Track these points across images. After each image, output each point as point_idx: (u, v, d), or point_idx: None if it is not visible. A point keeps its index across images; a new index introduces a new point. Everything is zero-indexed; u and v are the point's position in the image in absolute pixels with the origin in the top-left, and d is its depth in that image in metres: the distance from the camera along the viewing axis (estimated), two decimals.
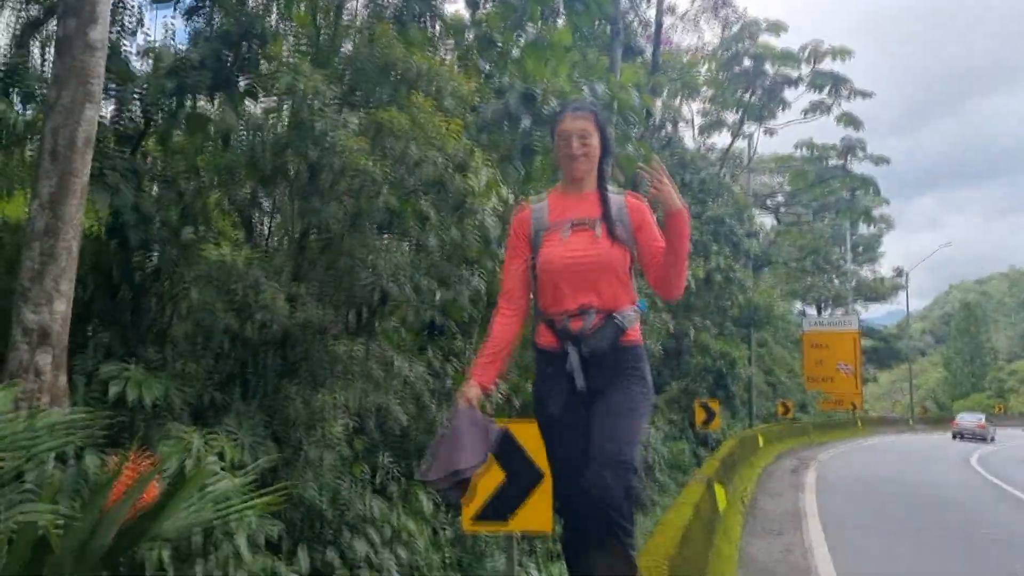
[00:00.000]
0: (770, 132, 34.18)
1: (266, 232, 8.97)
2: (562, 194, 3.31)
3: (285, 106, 7.68)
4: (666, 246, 3.14)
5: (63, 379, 4.77)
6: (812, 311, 50.79)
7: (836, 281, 50.79)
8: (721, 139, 34.51)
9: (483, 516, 4.97)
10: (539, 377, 3.25)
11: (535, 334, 3.26)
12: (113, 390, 5.00)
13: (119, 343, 6.25)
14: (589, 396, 3.09)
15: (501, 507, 4.94)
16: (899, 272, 58.81)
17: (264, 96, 7.89)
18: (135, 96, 6.88)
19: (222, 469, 4.03)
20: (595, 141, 3.23)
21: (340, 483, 6.36)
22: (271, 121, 7.65)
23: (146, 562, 4.13)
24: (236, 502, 3.30)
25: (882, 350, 59.10)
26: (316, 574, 5.52)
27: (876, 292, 56.92)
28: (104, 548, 2.69)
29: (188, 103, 7.17)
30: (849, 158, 36.49)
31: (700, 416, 18.68)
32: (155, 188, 7.14)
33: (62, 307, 4.75)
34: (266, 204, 8.85)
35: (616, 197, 3.24)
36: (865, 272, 56.14)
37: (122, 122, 7.14)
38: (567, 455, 3.09)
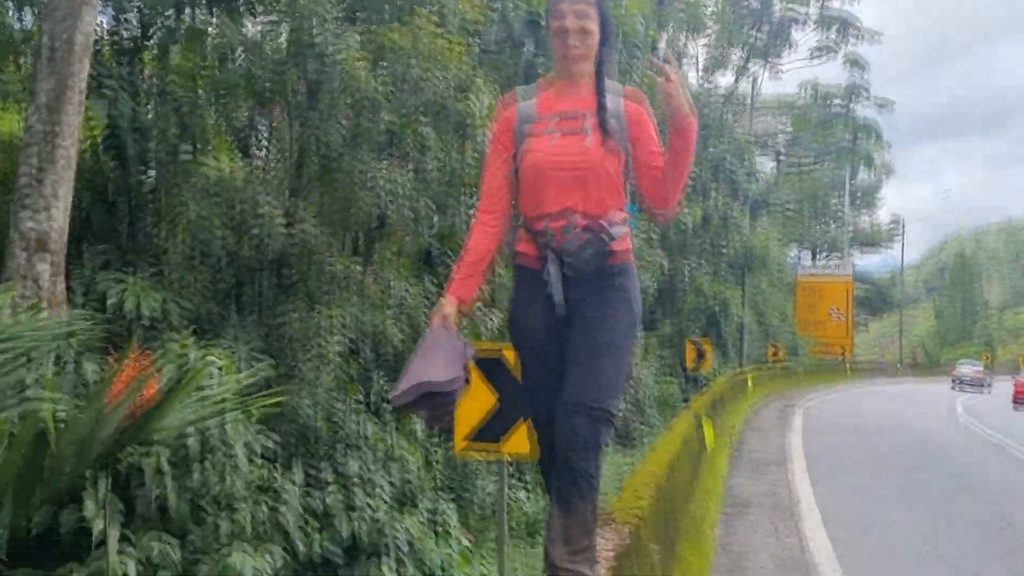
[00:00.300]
0: (775, 72, 33.75)
1: (263, 155, 8.90)
2: (554, 85, 2.96)
3: (284, 24, 7.53)
4: (668, 153, 2.80)
5: (61, 286, 4.78)
6: (807, 256, 50.88)
7: (833, 227, 50.76)
8: (725, 79, 34.01)
9: (475, 439, 5.04)
10: (516, 292, 2.99)
11: (514, 242, 2.97)
12: (111, 299, 5.01)
13: (116, 257, 6.25)
14: (569, 315, 2.82)
15: (493, 431, 5.01)
16: (896, 220, 58.88)
17: (263, 13, 7.73)
18: (133, 3, 6.74)
19: (220, 371, 4.08)
20: (594, 26, 2.87)
21: (335, 402, 6.43)
22: (269, 40, 7.51)
23: (144, 467, 4.20)
24: (232, 405, 3.33)
25: (875, 298, 59.36)
26: (310, 486, 5.63)
27: (872, 240, 56.96)
28: (104, 444, 2.71)
29: (187, 16, 7.03)
30: (853, 100, 36.08)
31: (691, 355, 18.82)
32: (151, 106, 7.06)
33: (60, 214, 4.73)
34: (263, 127, 8.76)
35: (614, 95, 2.89)
36: (863, 219, 56.08)
37: (119, 33, 7.02)
38: (541, 375, 2.88)
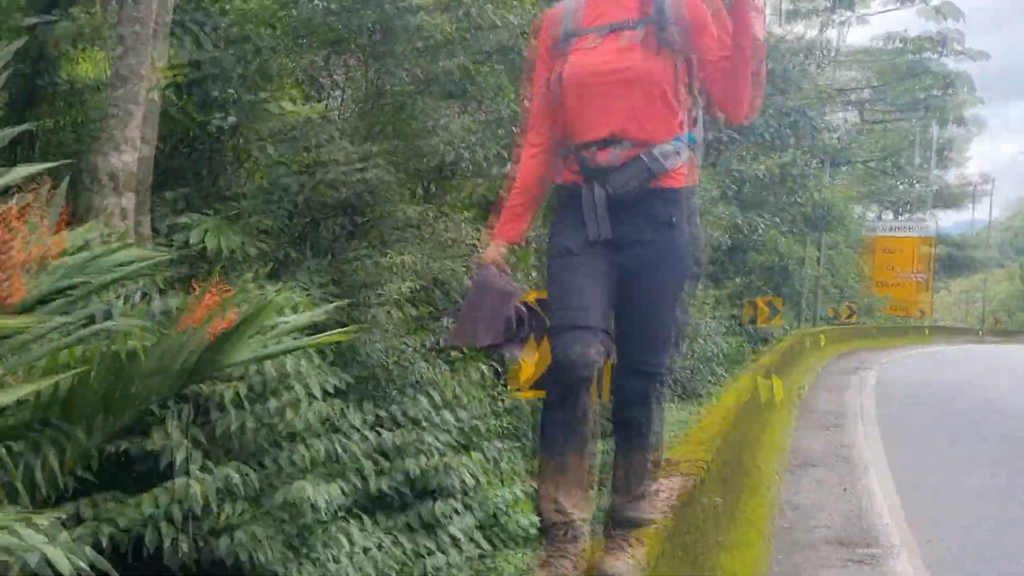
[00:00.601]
0: (862, 18, 32.36)
1: (338, 100, 8.99)
2: None
3: None
4: (734, 45, 2.45)
5: (146, 223, 4.96)
6: (888, 215, 49.25)
7: (916, 185, 48.90)
8: (810, 29, 32.65)
9: (532, 386, 5.04)
10: (559, 214, 2.73)
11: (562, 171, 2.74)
12: (194, 239, 5.18)
13: (198, 199, 6.44)
14: (616, 256, 2.59)
15: None
16: (984, 179, 56.44)
17: None
18: None
19: (294, 308, 4.20)
20: None
21: (404, 345, 6.55)
22: None
23: (224, 394, 4.37)
24: (305, 341, 3.42)
25: (957, 258, 57.22)
26: (378, 426, 5.77)
27: (957, 199, 54.78)
28: (186, 367, 2.81)
29: None
30: (944, 51, 34.30)
31: (763, 313, 18.52)
32: (231, 50, 7.19)
33: (145, 152, 4.89)
34: (338, 72, 8.83)
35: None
36: (949, 176, 53.87)
37: None
38: (578, 281, 2.58)
